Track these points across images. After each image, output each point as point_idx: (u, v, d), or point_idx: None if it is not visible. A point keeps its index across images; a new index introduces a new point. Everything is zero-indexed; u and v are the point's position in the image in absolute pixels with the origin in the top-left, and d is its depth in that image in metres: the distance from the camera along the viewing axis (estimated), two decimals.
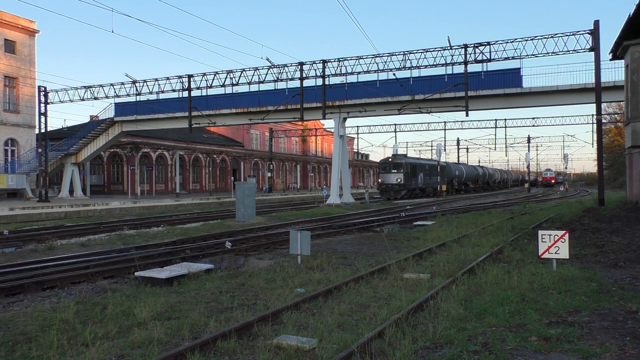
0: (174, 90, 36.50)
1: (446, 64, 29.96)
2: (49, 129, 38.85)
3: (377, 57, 31.25)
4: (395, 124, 58.76)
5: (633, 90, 20.52)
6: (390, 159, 45.73)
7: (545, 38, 27.66)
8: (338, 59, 32.42)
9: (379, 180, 46.31)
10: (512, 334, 5.98)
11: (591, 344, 5.65)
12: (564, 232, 9.68)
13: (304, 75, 33.35)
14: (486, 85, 31.60)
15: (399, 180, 44.45)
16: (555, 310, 6.96)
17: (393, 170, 44.66)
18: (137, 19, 73.92)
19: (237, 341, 5.97)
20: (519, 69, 31.10)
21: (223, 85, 34.92)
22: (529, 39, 28.06)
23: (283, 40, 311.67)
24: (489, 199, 47.13)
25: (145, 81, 36.88)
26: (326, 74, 33.06)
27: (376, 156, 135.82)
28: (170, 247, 13.95)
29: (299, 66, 33.31)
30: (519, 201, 39.37)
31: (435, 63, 30.01)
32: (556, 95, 31.12)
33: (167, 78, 36.51)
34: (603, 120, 34.44)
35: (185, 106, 37.08)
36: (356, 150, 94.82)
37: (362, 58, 31.68)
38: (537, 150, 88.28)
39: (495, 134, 65.34)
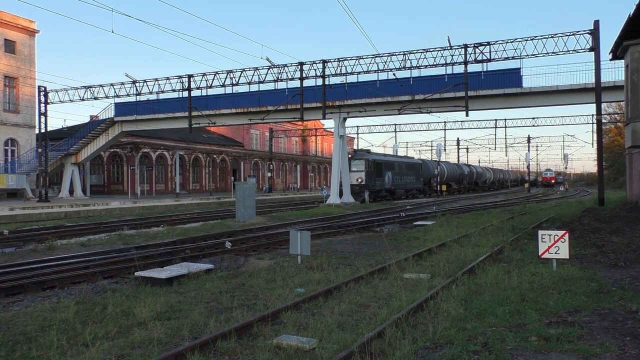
0: (174, 90, 36.51)
1: (446, 64, 29.95)
2: (49, 129, 38.87)
3: (377, 57, 31.24)
4: (395, 124, 58.80)
5: (633, 90, 20.53)
6: (349, 155, 39.53)
7: (545, 38, 27.66)
8: (338, 59, 32.43)
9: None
10: (512, 334, 5.98)
11: (591, 344, 5.65)
12: (564, 232, 9.68)
13: (304, 75, 33.34)
14: (486, 85, 31.60)
15: (359, 180, 38.60)
16: (555, 310, 6.96)
17: (353, 169, 38.47)
18: (137, 19, 74.00)
19: (237, 341, 5.97)
20: (519, 69, 31.11)
21: (223, 85, 34.90)
22: (529, 39, 28.05)
23: (283, 40, 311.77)
24: (489, 199, 47.14)
25: (145, 81, 36.87)
26: (326, 74, 33.04)
27: None
28: (170, 247, 13.94)
29: (299, 66, 33.30)
30: (518, 201, 39.39)
31: (435, 63, 30.00)
32: (556, 95, 31.11)
33: (167, 78, 36.50)
34: (603, 120, 34.45)
35: (185, 106, 37.07)
36: None
37: (362, 58, 31.67)
38: (537, 150, 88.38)
39: (495, 134, 65.13)
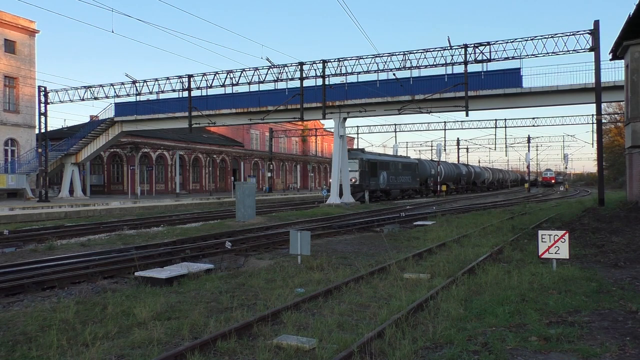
0: (174, 90, 36.52)
1: (446, 64, 29.95)
2: (49, 129, 38.88)
3: (377, 57, 31.25)
4: (395, 124, 58.77)
5: (633, 90, 20.54)
6: None
7: (545, 38, 27.66)
8: (338, 59, 32.43)
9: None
10: (512, 334, 5.98)
11: (591, 344, 5.65)
12: (564, 232, 9.68)
13: (304, 75, 33.35)
14: (486, 85, 31.60)
15: (353, 180, 37.89)
16: (555, 310, 6.96)
17: (347, 168, 37.55)
18: (137, 19, 74.01)
19: (237, 341, 5.97)
20: (519, 69, 31.11)
21: (223, 85, 34.92)
22: (529, 39, 28.06)
23: (283, 40, 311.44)
24: (489, 199, 47.15)
25: (145, 81, 36.88)
26: (326, 74, 33.05)
27: None
28: (170, 247, 13.94)
29: (299, 66, 33.31)
30: (518, 201, 39.40)
31: (435, 63, 30.00)
32: (556, 95, 31.12)
33: (167, 78, 36.51)
34: (603, 120, 34.45)
35: (185, 106, 37.08)
36: None
37: (362, 58, 31.67)
38: (537, 150, 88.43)
39: (495, 134, 65.01)
